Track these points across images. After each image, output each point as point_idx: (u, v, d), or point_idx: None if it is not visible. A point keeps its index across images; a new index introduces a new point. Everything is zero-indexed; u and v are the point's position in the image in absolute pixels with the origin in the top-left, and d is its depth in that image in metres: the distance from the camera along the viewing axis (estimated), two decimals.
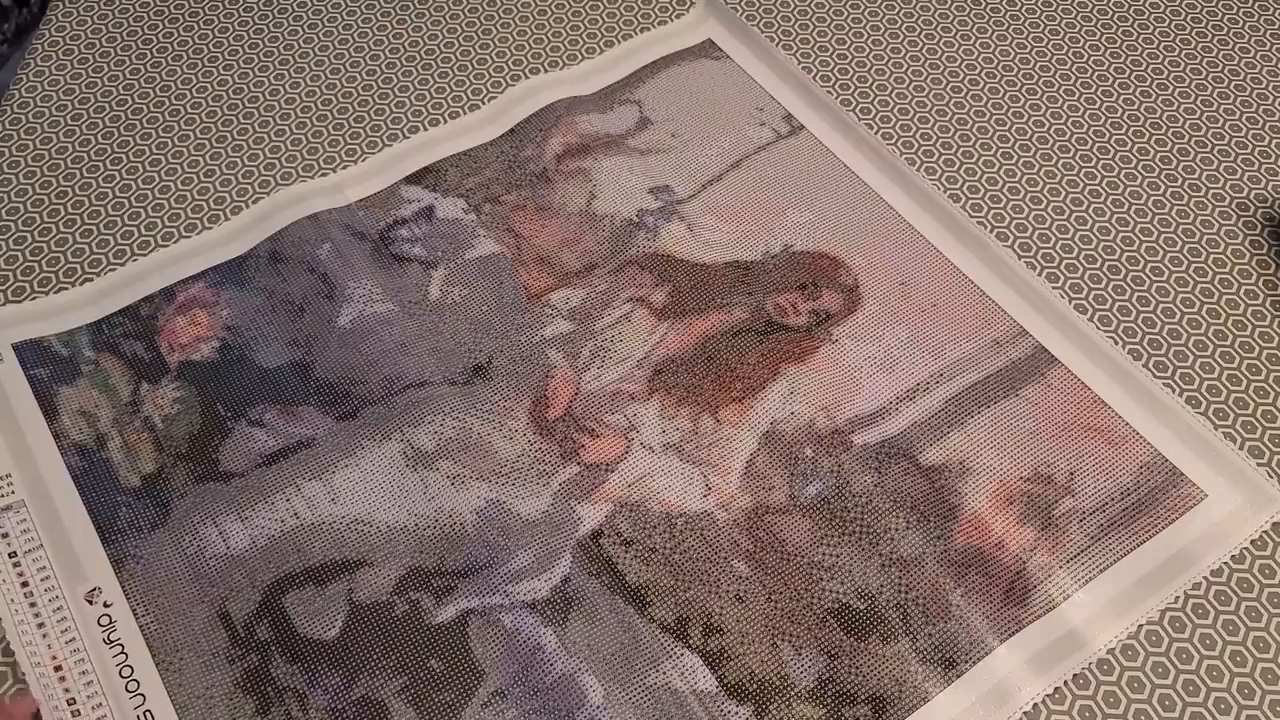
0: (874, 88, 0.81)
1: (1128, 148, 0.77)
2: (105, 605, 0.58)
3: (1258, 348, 0.68)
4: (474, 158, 0.77)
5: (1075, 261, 0.71)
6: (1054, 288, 0.70)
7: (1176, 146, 0.77)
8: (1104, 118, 0.79)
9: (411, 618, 0.58)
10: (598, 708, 0.55)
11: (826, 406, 0.65)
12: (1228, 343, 0.68)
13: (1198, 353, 0.67)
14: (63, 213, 0.75)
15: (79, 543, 0.60)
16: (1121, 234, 0.73)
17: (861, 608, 0.58)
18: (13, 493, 0.62)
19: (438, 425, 0.64)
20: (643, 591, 0.59)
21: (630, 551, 0.60)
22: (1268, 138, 0.78)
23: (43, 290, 0.71)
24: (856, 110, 0.80)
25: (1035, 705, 0.55)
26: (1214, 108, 0.79)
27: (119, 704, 0.55)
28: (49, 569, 0.59)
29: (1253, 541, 0.60)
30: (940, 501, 0.61)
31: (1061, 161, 0.77)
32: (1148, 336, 0.68)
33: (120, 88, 0.82)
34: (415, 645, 0.57)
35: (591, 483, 0.63)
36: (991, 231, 0.73)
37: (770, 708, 0.55)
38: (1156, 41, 0.83)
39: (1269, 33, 0.84)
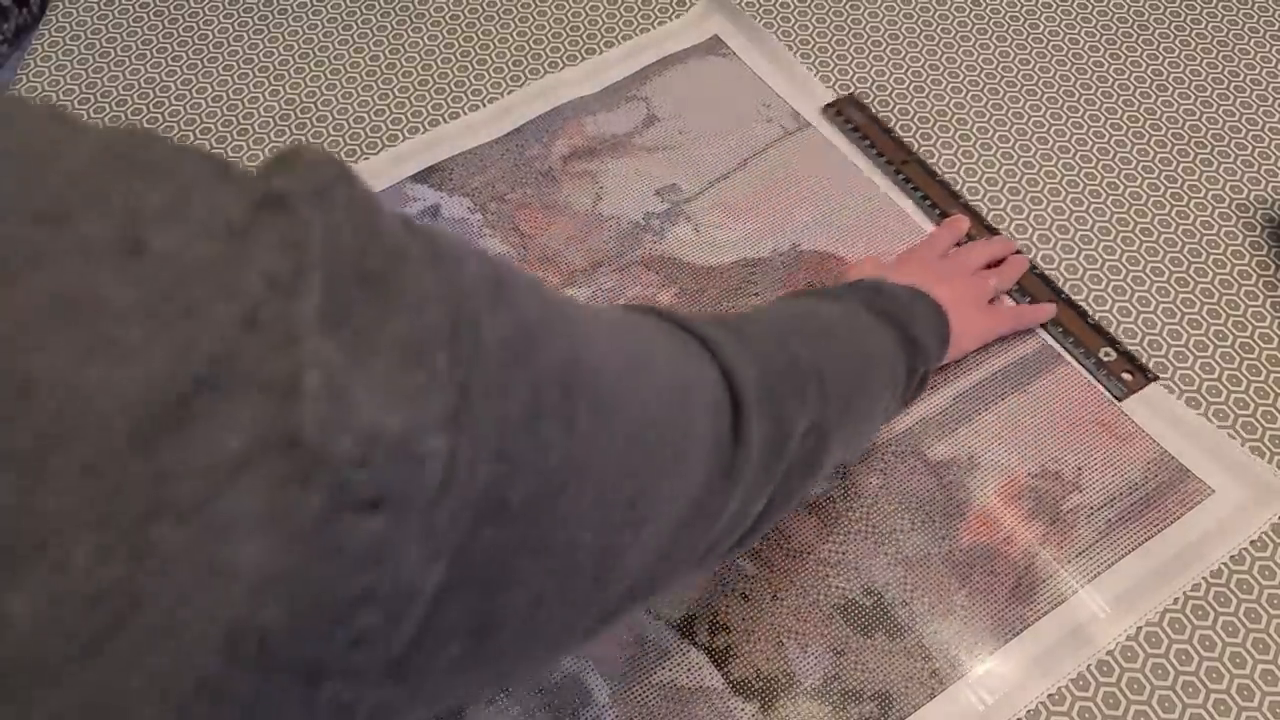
0: (875, 88, 0.81)
1: (1128, 148, 0.78)
2: None
3: (1258, 348, 0.68)
4: (479, 156, 0.77)
5: (1075, 262, 0.72)
6: None
7: (1176, 147, 0.78)
8: (1104, 118, 0.79)
9: None
10: (603, 706, 0.55)
11: None
12: (1228, 343, 0.68)
13: (1198, 353, 0.67)
14: None
15: None
16: (1121, 234, 0.73)
17: (868, 604, 0.58)
18: None
19: None
20: None
21: None
22: (1268, 138, 0.78)
23: None
24: None
25: (1036, 706, 0.55)
26: (1214, 108, 0.80)
27: None
28: None
29: (1253, 542, 0.60)
30: (948, 497, 0.61)
31: (1061, 161, 0.77)
32: (1148, 337, 0.68)
33: (120, 88, 0.82)
34: None
35: None
36: None
37: (776, 705, 0.55)
38: (1156, 42, 0.84)
39: (1269, 33, 0.84)
